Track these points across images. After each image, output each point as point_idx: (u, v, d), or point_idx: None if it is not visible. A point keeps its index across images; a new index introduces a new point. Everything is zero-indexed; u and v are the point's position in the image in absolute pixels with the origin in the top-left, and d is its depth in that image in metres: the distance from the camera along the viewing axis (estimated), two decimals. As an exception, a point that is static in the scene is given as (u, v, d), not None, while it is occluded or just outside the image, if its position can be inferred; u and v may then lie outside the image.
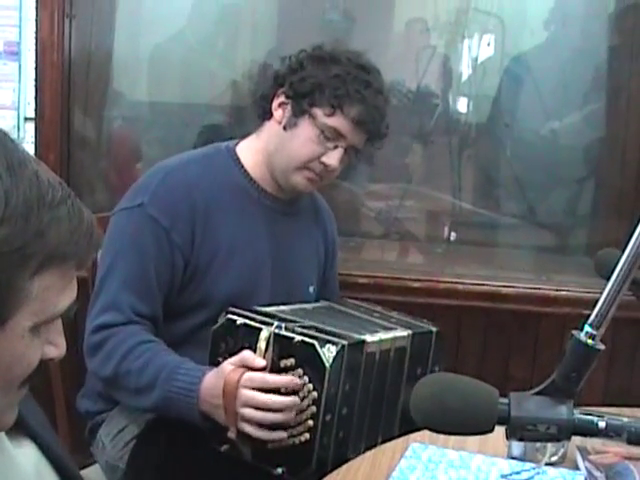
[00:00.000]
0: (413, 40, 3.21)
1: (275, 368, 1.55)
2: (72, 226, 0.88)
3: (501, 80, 3.06)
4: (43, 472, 1.06)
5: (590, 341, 0.95)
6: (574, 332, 0.96)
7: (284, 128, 1.79)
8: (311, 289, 1.98)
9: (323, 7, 3.04)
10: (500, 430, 1.61)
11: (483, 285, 2.42)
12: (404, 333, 1.73)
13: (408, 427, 1.74)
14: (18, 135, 2.31)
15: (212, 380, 1.60)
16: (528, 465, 1.53)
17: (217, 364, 1.61)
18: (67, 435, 1.99)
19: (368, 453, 1.60)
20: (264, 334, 1.56)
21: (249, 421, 1.55)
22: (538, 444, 1.57)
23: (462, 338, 2.45)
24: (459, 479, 1.48)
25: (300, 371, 1.53)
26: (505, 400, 0.95)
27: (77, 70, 2.41)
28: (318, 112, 1.75)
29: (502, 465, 1.52)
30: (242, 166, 1.87)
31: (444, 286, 2.42)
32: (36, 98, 2.30)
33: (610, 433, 0.94)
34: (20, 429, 0.99)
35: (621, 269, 0.95)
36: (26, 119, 2.32)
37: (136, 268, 1.75)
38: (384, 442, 1.69)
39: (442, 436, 1.63)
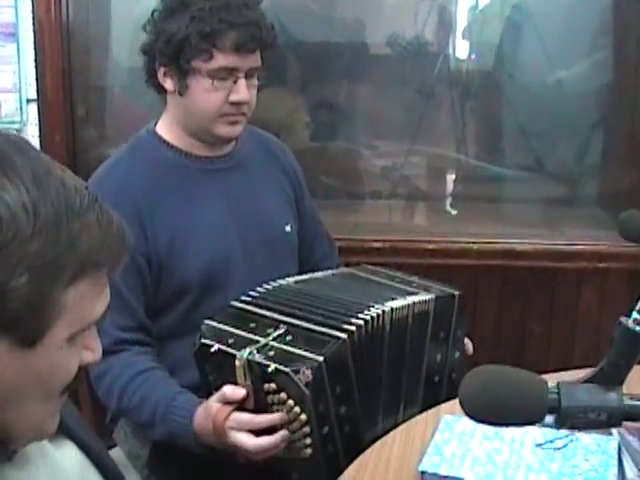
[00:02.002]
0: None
1: (259, 391, 1.50)
2: (103, 231, 0.87)
3: (503, 29, 3.02)
4: (87, 472, 1.06)
5: (638, 328, 0.94)
6: (622, 319, 0.95)
7: (180, 94, 1.74)
8: (288, 228, 1.93)
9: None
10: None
11: (497, 243, 2.41)
12: (426, 297, 1.69)
13: (433, 387, 1.76)
14: (21, 117, 2.28)
15: (202, 421, 1.56)
16: (561, 432, 1.53)
17: (208, 382, 1.58)
18: (90, 417, 2.00)
19: (401, 427, 1.60)
20: (239, 362, 1.50)
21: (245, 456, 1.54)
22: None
23: (479, 297, 2.45)
24: (494, 450, 1.49)
25: (284, 395, 1.47)
26: (555, 389, 0.94)
27: (76, 46, 2.37)
28: (198, 63, 1.69)
29: (535, 434, 1.53)
30: (168, 143, 1.82)
31: (459, 246, 2.42)
32: (37, 79, 2.26)
33: (661, 418, 0.94)
34: (60, 430, 0.98)
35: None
36: (28, 101, 2.29)
37: None
38: (409, 403, 1.69)
39: (473, 407, 1.65)
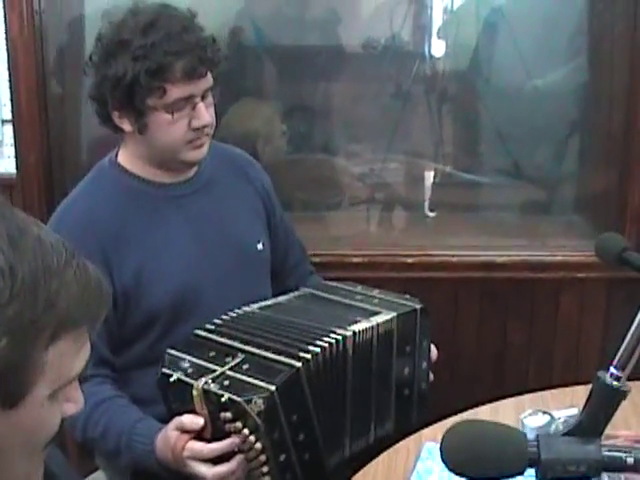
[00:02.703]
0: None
1: (215, 420, 1.51)
2: (81, 288, 0.86)
3: (479, 32, 3.02)
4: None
5: (615, 383, 0.95)
6: (599, 373, 0.96)
7: (140, 133, 1.71)
8: (260, 246, 1.91)
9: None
10: (510, 414, 1.65)
11: (477, 256, 2.42)
12: (388, 316, 1.68)
13: (404, 401, 1.76)
14: (-3, 137, 2.26)
15: (162, 447, 1.58)
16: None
17: (172, 411, 1.59)
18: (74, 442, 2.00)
19: (383, 455, 1.62)
20: (195, 392, 1.51)
21: None
22: (551, 433, 1.60)
23: (459, 309, 2.47)
24: (476, 478, 1.50)
25: (239, 424, 1.48)
26: (534, 442, 0.95)
27: (51, 65, 2.34)
28: (153, 101, 1.66)
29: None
30: (130, 173, 1.80)
31: (438, 259, 2.42)
32: (12, 100, 2.24)
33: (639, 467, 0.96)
34: (45, 478, 0.99)
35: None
36: (3, 122, 2.27)
37: None
38: (380, 421, 1.70)
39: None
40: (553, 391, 1.83)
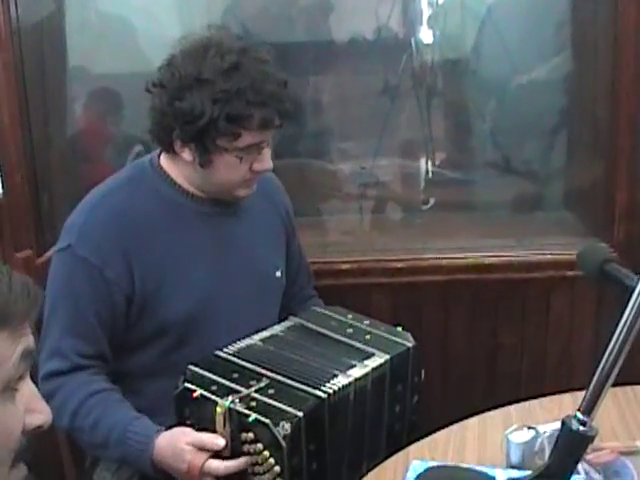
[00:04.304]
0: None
1: (235, 439, 1.54)
2: (5, 287, 0.91)
3: (466, 29, 3.01)
4: None
5: (582, 428, 0.95)
6: (565, 419, 0.96)
7: (201, 166, 1.71)
8: (278, 273, 1.93)
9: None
10: (497, 439, 1.65)
11: (466, 258, 2.42)
12: (382, 360, 1.70)
13: (395, 436, 1.78)
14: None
15: (165, 454, 1.61)
16: (528, 472, 1.56)
17: (185, 425, 1.61)
18: (70, 465, 2.01)
19: (370, 474, 1.63)
20: (220, 409, 1.53)
21: None
22: (536, 448, 1.61)
23: (450, 312, 2.47)
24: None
25: (260, 446, 1.51)
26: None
27: (32, 82, 2.33)
28: (223, 142, 1.67)
29: (501, 476, 1.55)
30: (171, 179, 1.79)
31: (427, 263, 2.43)
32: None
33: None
34: None
35: (608, 357, 0.95)
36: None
37: (73, 312, 1.72)
38: (372, 456, 1.72)
39: (440, 449, 1.67)
40: (542, 400, 1.83)
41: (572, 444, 0.97)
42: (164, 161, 1.80)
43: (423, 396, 1.84)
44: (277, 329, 1.82)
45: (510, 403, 1.81)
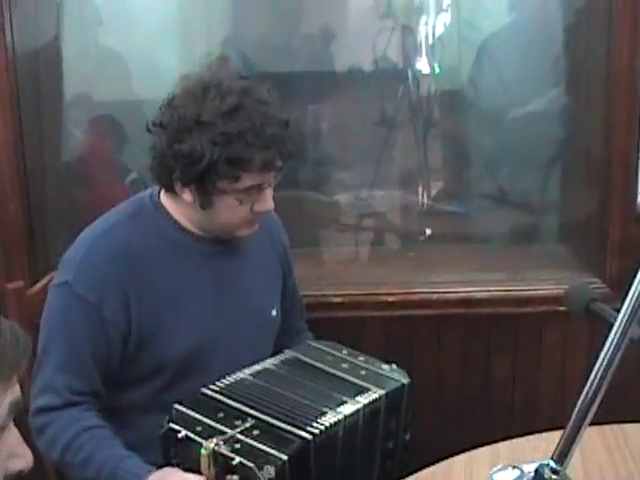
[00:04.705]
0: (368, 24, 3.15)
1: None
2: None
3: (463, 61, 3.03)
4: None
5: (554, 477, 0.95)
6: (539, 467, 0.96)
7: (202, 207, 1.70)
8: (274, 312, 1.93)
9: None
10: (483, 477, 1.64)
11: (458, 292, 2.42)
12: (377, 395, 1.69)
13: (386, 472, 1.77)
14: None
15: None
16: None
17: (171, 464, 1.60)
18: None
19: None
20: (205, 451, 1.51)
21: None
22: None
23: (442, 345, 2.46)
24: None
25: None
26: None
27: (27, 108, 2.35)
28: (223, 184, 1.65)
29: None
30: (171, 217, 1.78)
31: (419, 297, 2.42)
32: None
33: None
34: None
35: (581, 405, 0.94)
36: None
37: (68, 350, 1.71)
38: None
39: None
40: (530, 438, 1.82)
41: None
42: (165, 199, 1.79)
43: (415, 433, 1.83)
44: (270, 362, 1.81)
45: (503, 437, 1.80)
